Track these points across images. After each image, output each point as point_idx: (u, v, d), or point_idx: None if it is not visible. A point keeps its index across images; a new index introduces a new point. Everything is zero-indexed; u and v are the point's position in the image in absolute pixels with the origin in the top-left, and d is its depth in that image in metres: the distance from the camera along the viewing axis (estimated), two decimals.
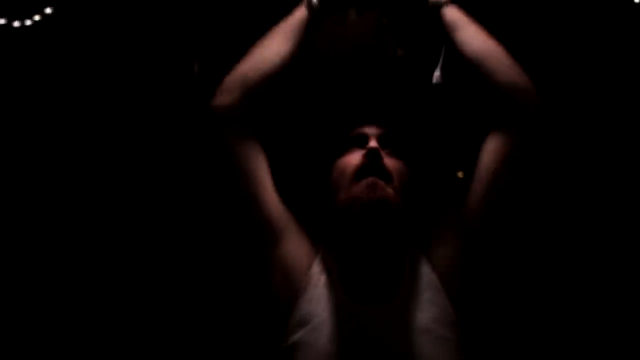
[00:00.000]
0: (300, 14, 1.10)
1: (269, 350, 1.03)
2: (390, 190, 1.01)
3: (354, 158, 1.04)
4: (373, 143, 1.05)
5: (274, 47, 1.08)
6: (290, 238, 1.06)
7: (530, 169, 1.12)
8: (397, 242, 1.05)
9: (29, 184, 2.70)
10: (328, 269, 1.04)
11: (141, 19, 2.18)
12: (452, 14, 1.07)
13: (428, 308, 1.00)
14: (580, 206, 1.80)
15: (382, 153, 1.04)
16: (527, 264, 1.58)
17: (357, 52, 1.12)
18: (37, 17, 2.63)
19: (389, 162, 1.04)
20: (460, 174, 2.60)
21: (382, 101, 1.12)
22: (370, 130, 1.09)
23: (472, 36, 1.05)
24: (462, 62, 1.02)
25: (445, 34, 1.06)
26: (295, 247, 1.06)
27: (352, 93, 1.16)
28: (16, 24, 2.60)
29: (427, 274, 1.04)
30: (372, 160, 1.01)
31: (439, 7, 1.08)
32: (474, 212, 1.05)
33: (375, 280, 1.02)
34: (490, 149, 1.05)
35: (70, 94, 2.60)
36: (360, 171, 1.02)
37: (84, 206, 2.23)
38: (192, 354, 1.60)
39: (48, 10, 2.62)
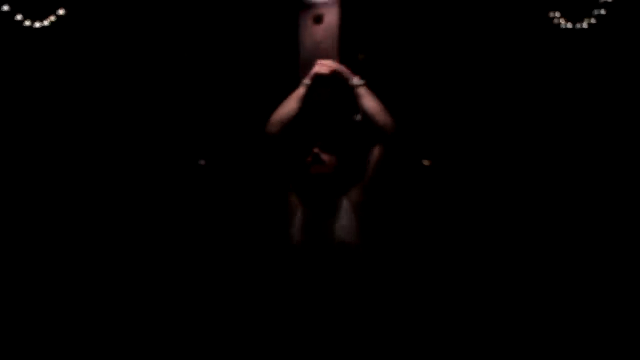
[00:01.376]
0: (302, 88, 2.39)
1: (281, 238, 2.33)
2: (324, 168, 2.29)
3: (310, 156, 2.27)
4: (316, 149, 2.28)
5: (292, 104, 2.32)
6: (291, 194, 2.39)
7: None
8: (331, 190, 2.32)
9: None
10: (301, 205, 2.33)
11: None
12: (361, 91, 2.34)
13: (347, 218, 2.30)
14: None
15: (321, 153, 2.28)
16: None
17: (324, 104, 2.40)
18: (52, 18, 3.02)
19: (324, 155, 2.28)
20: (426, 162, 3.75)
21: (328, 128, 2.40)
22: (317, 143, 2.31)
23: (367, 101, 2.29)
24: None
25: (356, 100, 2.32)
26: (292, 197, 2.38)
27: (315, 124, 2.44)
28: (36, 24, 2.99)
29: (347, 203, 2.33)
30: (315, 156, 2.27)
31: (354, 87, 2.34)
32: (367, 178, 2.32)
33: (323, 206, 2.33)
34: (374, 151, 2.30)
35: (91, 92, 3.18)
36: (312, 162, 2.25)
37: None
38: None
39: (61, 12, 3.03)
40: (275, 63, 2.68)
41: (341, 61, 2.36)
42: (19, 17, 3.04)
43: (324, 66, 2.30)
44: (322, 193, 2.28)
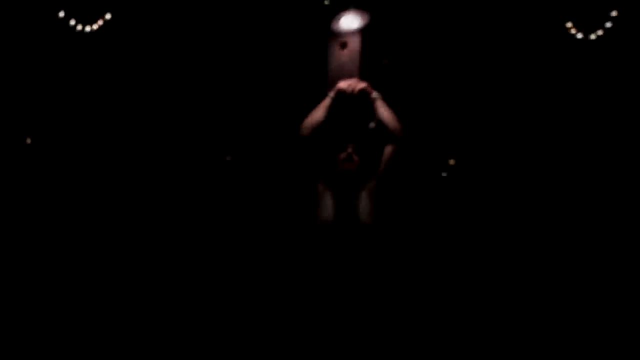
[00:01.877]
0: (328, 100, 2.98)
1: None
2: (352, 165, 2.89)
3: (343, 154, 2.94)
4: (349, 149, 2.94)
5: (321, 112, 2.99)
6: (319, 183, 3.00)
7: None
8: (354, 181, 2.92)
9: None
10: (329, 191, 2.94)
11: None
12: (378, 103, 2.92)
13: (365, 203, 2.89)
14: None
15: (353, 154, 2.92)
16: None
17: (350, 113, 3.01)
18: (100, 22, 3.21)
19: (354, 156, 2.93)
20: (451, 162, 4.29)
21: (357, 133, 3.00)
22: (350, 145, 2.97)
23: (382, 111, 2.89)
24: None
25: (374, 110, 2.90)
26: (320, 186, 3.00)
27: (342, 129, 3.03)
28: (87, 28, 3.18)
29: (365, 191, 2.93)
30: (349, 155, 2.92)
31: (374, 101, 2.93)
32: (380, 171, 2.90)
33: (347, 193, 2.92)
34: (387, 150, 2.88)
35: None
36: (345, 159, 2.91)
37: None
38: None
39: (108, 16, 3.23)
40: (308, 80, 3.31)
41: (361, 78, 2.94)
42: (72, 22, 3.36)
43: (347, 84, 2.89)
44: (348, 183, 2.88)
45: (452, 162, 4.09)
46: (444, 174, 4.03)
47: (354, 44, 2.96)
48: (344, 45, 2.96)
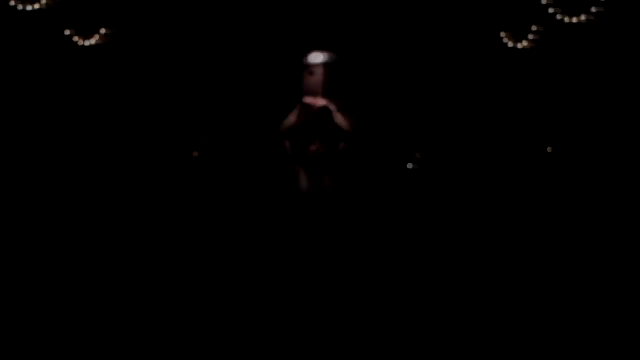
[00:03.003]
0: (298, 110, 4.44)
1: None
2: (320, 154, 4.35)
3: (314, 146, 4.40)
4: (318, 143, 4.39)
5: (293, 118, 4.41)
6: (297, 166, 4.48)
7: None
8: (320, 164, 4.39)
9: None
10: (304, 172, 4.42)
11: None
12: (335, 112, 4.32)
13: (327, 179, 4.38)
14: None
15: (320, 146, 4.38)
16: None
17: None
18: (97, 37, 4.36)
19: (321, 148, 4.35)
20: (418, 155, 5.69)
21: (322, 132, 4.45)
22: (317, 141, 4.44)
23: (338, 117, 4.29)
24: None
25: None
26: (298, 168, 4.47)
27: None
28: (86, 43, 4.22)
29: (328, 171, 4.39)
30: (317, 147, 4.38)
31: (332, 111, 4.36)
32: (337, 158, 4.36)
33: (315, 173, 4.41)
34: (341, 145, 4.31)
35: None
36: (315, 150, 4.38)
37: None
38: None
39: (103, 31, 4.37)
40: (289, 96, 4.81)
41: (324, 95, 4.40)
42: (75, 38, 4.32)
43: (312, 100, 4.35)
44: (317, 166, 4.35)
45: (418, 155, 5.54)
46: (409, 165, 5.47)
47: (319, 72, 4.43)
48: (312, 74, 4.43)
